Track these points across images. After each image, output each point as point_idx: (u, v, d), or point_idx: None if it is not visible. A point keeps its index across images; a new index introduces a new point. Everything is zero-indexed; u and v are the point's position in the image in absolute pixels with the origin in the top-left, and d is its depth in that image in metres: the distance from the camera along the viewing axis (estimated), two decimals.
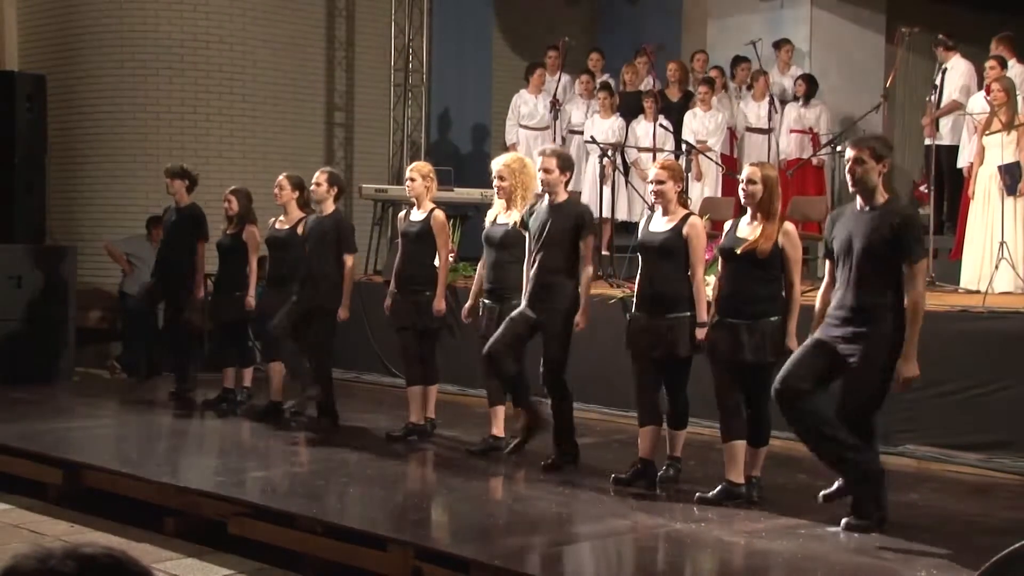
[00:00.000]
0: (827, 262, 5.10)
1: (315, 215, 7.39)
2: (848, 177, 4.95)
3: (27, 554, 1.36)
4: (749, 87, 10.69)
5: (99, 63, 10.93)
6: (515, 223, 6.35)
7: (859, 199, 4.93)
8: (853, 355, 4.80)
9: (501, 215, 6.47)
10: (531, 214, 6.21)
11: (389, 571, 4.72)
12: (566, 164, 6.20)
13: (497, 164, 6.50)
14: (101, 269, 10.60)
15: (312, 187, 7.35)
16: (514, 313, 6.13)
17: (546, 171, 6.07)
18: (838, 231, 4.95)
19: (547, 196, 6.12)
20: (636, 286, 5.86)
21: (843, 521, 4.90)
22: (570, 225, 6.03)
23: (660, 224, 5.72)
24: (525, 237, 6.34)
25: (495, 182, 6.43)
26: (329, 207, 7.28)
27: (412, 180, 6.92)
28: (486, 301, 6.48)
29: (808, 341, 5.02)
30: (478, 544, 4.84)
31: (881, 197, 4.88)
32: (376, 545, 4.81)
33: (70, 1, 11.10)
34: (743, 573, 4.59)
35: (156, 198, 10.59)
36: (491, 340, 6.11)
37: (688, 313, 5.61)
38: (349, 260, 7.23)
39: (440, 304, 6.82)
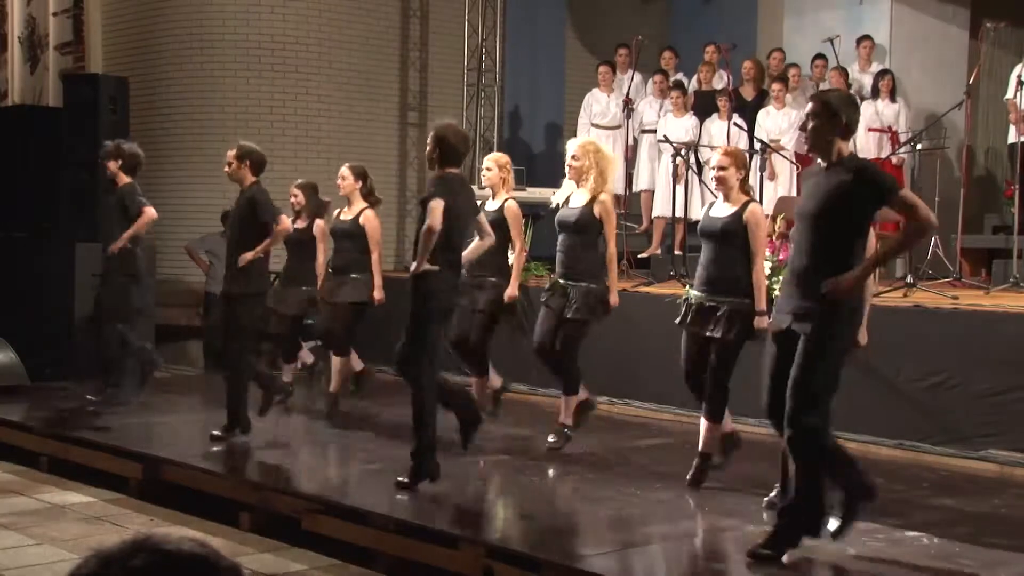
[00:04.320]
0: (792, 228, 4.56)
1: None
2: (800, 132, 4.53)
3: (112, 547, 1.34)
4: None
5: (179, 65, 11.14)
6: (587, 203, 6.29)
7: (819, 159, 4.39)
8: (804, 332, 4.22)
9: (574, 195, 6.39)
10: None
11: (460, 569, 4.73)
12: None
13: (572, 145, 6.44)
14: (181, 267, 10.82)
15: (224, 169, 6.85)
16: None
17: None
18: (801, 195, 4.47)
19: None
20: (697, 271, 5.74)
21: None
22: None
23: (721, 210, 5.64)
24: (599, 220, 6.29)
25: (568, 162, 6.36)
26: (247, 183, 6.78)
27: (488, 170, 6.87)
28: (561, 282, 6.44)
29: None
30: (549, 544, 4.83)
31: (841, 154, 4.29)
32: (448, 543, 4.82)
33: (152, 5, 11.34)
34: None
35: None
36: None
37: (747, 300, 5.51)
38: (280, 225, 6.69)
39: (513, 291, 6.70)
